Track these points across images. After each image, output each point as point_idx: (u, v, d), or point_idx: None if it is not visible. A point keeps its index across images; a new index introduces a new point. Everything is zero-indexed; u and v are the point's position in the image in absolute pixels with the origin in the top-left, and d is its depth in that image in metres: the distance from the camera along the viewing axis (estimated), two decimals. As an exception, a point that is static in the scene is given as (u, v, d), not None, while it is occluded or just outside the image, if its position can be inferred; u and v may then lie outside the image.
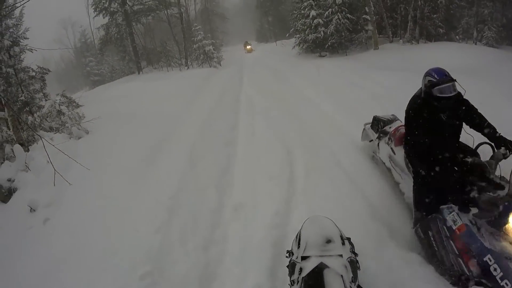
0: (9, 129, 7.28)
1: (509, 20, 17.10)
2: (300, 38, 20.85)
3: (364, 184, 4.21)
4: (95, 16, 27.58)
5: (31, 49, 10.13)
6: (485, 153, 3.11)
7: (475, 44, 16.17)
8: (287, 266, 2.44)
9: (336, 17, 17.71)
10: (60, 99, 8.74)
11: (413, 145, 3.08)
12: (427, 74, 2.97)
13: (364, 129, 4.85)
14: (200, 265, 3.34)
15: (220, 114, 8.97)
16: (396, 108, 6.23)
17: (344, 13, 17.82)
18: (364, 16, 17.32)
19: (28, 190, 5.53)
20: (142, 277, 3.25)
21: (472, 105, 3.15)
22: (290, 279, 2.33)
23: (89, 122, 8.03)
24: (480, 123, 3.05)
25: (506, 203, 2.39)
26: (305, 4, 19.32)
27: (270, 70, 17.33)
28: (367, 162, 4.77)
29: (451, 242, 2.54)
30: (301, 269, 2.20)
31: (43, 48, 7.32)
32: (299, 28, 20.64)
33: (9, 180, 5.92)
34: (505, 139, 2.87)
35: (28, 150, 6.70)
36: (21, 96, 9.05)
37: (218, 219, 4.11)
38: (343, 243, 2.39)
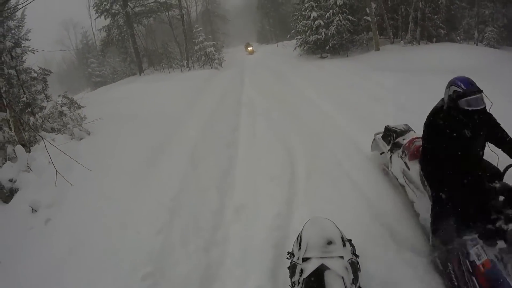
0: (11, 130, 7.28)
1: (510, 20, 17.09)
2: (301, 40, 20.86)
3: (364, 184, 4.20)
4: (97, 17, 27.57)
5: (33, 50, 10.14)
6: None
7: (476, 44, 16.18)
8: (288, 268, 2.44)
9: (337, 18, 17.73)
10: (61, 100, 8.76)
11: (432, 164, 2.79)
12: (452, 83, 2.66)
13: (374, 139, 4.50)
14: (201, 267, 3.34)
15: (222, 116, 8.98)
16: (397, 109, 6.33)
17: (345, 14, 17.85)
18: (365, 17, 17.33)
19: (29, 191, 5.53)
20: (144, 278, 3.25)
21: (496, 120, 2.87)
22: (291, 280, 2.33)
23: (91, 123, 8.05)
24: (504, 140, 2.79)
25: None
26: (306, 5, 19.34)
27: (271, 71, 17.35)
28: (365, 163, 4.76)
29: (473, 278, 2.25)
30: (302, 271, 2.21)
31: (45, 50, 7.34)
32: (300, 29, 20.66)
33: (10, 180, 5.92)
34: None
35: (29, 151, 6.71)
36: (23, 97, 9.05)
37: (219, 221, 4.11)
38: (344, 245, 2.39)
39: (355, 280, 2.20)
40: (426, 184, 2.94)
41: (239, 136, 7.04)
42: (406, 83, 7.97)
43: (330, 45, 18.53)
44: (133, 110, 9.81)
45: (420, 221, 3.13)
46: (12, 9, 8.27)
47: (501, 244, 2.25)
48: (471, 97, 2.51)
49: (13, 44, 9.37)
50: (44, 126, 8.32)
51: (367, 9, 16.84)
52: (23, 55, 9.93)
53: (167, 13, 28.29)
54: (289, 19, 27.95)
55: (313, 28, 19.13)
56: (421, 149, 3.13)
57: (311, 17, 19.00)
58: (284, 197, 4.28)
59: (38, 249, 4.23)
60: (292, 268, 2.36)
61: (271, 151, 5.83)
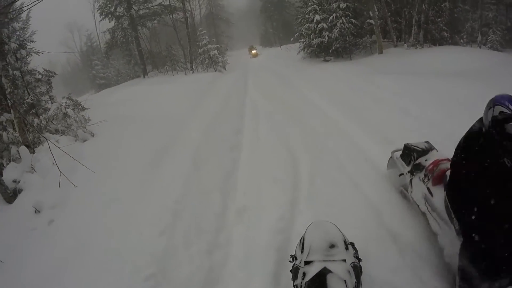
0: (15, 131, 7.33)
1: (513, 23, 17.10)
2: (304, 43, 20.90)
3: (365, 185, 4.19)
4: (101, 20, 27.79)
5: (38, 52, 10.23)
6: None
7: (480, 47, 16.15)
8: (291, 271, 2.43)
9: (341, 21, 17.76)
10: (66, 102, 8.82)
11: (463, 196, 2.35)
12: (497, 103, 2.19)
13: (391, 157, 4.05)
14: (204, 269, 3.33)
15: (225, 118, 9.00)
16: (402, 112, 6.33)
17: (348, 17, 17.87)
18: (368, 20, 17.34)
19: (33, 192, 5.56)
20: (146, 279, 3.25)
21: None
22: (293, 283, 2.33)
23: (95, 125, 8.09)
24: None
25: None
26: (310, 8, 19.39)
27: (275, 74, 17.38)
28: (366, 165, 4.75)
29: None
30: (304, 274, 2.20)
31: (49, 51, 7.40)
32: (303, 32, 20.70)
33: (14, 181, 5.95)
34: None
35: (33, 152, 6.74)
36: (27, 98, 9.12)
37: (222, 223, 4.10)
38: (347, 248, 2.38)
39: (358, 283, 2.19)
40: (452, 216, 2.52)
41: (243, 138, 7.05)
42: (411, 86, 7.95)
43: (334, 48, 18.56)
44: (137, 112, 9.85)
45: (444, 258, 2.68)
46: (17, 11, 8.33)
47: None
48: None
49: (18, 46, 9.45)
50: (48, 127, 8.37)
51: (370, 12, 16.86)
52: (27, 56, 10.03)
53: (171, 16, 28.48)
54: (293, 22, 28.08)
55: (317, 31, 19.17)
56: (447, 173, 2.75)
57: (315, 20, 19.05)
58: (287, 201, 4.27)
59: (41, 250, 4.25)
60: (295, 271, 2.36)
61: (274, 154, 5.83)
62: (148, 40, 30.16)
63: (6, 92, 7.03)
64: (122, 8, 26.30)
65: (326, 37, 18.60)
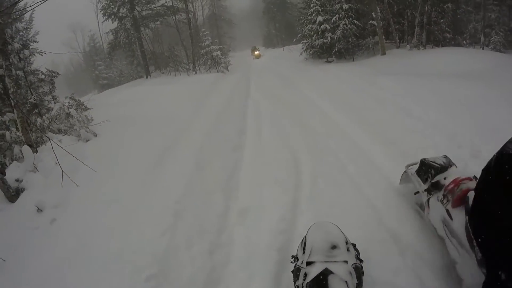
0: (18, 130, 7.37)
1: (516, 24, 17.06)
2: (307, 44, 20.92)
3: (366, 187, 4.19)
4: (104, 21, 27.92)
5: (41, 52, 10.27)
6: None
7: (482, 49, 16.13)
8: (292, 271, 2.43)
9: (343, 22, 17.76)
10: (69, 102, 8.85)
11: (489, 226, 2.05)
12: None
13: (405, 172, 3.70)
14: (205, 269, 3.33)
15: (228, 119, 9.01)
16: (404, 113, 6.31)
17: (351, 18, 17.87)
18: (370, 21, 17.33)
19: (35, 191, 5.58)
20: (147, 279, 3.25)
21: None
22: (294, 284, 2.32)
23: (97, 125, 8.11)
24: None
25: None
26: (312, 10, 19.41)
27: (277, 75, 17.40)
28: (368, 166, 4.74)
29: None
30: (305, 275, 2.20)
31: (52, 52, 7.43)
32: (306, 33, 20.72)
33: (17, 180, 5.97)
34: None
35: (36, 151, 6.77)
36: (30, 98, 9.16)
37: (224, 223, 4.10)
38: (348, 249, 2.38)
39: (359, 285, 2.18)
40: (474, 243, 2.25)
41: (245, 139, 7.05)
42: (413, 87, 7.93)
43: (336, 49, 18.55)
44: (139, 113, 9.88)
45: None
46: (20, 11, 8.38)
47: None
48: None
49: (21, 46, 9.51)
50: (51, 127, 8.40)
51: (373, 13, 16.84)
52: (31, 56, 10.07)
53: (174, 17, 28.56)
54: (295, 23, 28.10)
55: (319, 32, 19.18)
56: (470, 195, 2.47)
57: (317, 22, 19.05)
58: (289, 201, 4.26)
59: (42, 249, 4.25)
60: (296, 272, 2.35)
61: (276, 154, 5.84)
62: (151, 41, 30.24)
63: (9, 92, 7.07)
64: (125, 9, 26.39)
65: (329, 38, 18.61)
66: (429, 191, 3.07)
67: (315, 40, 19.56)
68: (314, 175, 4.80)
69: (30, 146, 6.82)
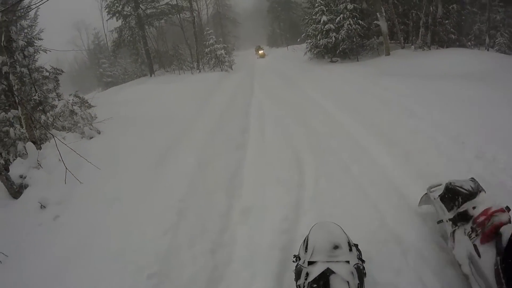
0: (22, 127, 7.40)
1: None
2: (311, 43, 20.88)
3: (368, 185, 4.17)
4: (109, 19, 27.96)
5: (45, 49, 10.34)
6: None
7: (487, 50, 16.03)
8: (294, 271, 2.43)
9: (348, 22, 17.70)
10: (73, 99, 8.88)
11: None
12: None
13: (426, 194, 3.31)
14: (207, 268, 3.33)
15: (231, 118, 9.01)
16: (408, 114, 6.28)
17: (355, 18, 17.81)
18: (375, 22, 17.28)
19: (39, 187, 5.60)
20: (149, 277, 3.26)
21: None
22: (296, 283, 2.32)
23: (101, 122, 8.13)
24: None
25: None
26: (317, 9, 19.37)
27: (281, 75, 17.40)
28: (371, 166, 4.72)
29: None
30: (307, 274, 2.19)
31: (57, 49, 7.46)
32: (310, 33, 20.69)
33: (20, 176, 6.00)
34: None
35: (40, 148, 6.79)
36: (35, 95, 9.21)
37: (226, 223, 4.10)
38: (351, 250, 2.37)
39: (361, 285, 2.18)
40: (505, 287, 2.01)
41: (248, 138, 7.05)
42: (417, 88, 7.90)
43: (341, 49, 18.50)
44: (143, 111, 9.90)
45: None
46: (25, 9, 8.41)
47: None
48: None
49: (25, 43, 9.56)
50: (55, 124, 8.43)
51: (377, 13, 16.79)
52: (35, 54, 10.13)
53: (178, 16, 28.59)
54: (300, 23, 28.04)
55: (324, 32, 19.14)
56: (503, 230, 2.22)
57: (322, 21, 19.01)
58: (292, 201, 4.26)
59: (45, 245, 4.27)
60: (298, 271, 2.35)
61: (279, 153, 5.84)
62: (155, 39, 30.29)
63: (14, 89, 7.10)
64: (129, 7, 26.46)
65: (333, 38, 18.56)
66: (455, 221, 2.70)
67: (319, 40, 19.52)
68: (317, 175, 4.80)
69: (34, 143, 6.85)
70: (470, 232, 2.46)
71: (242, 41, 52.82)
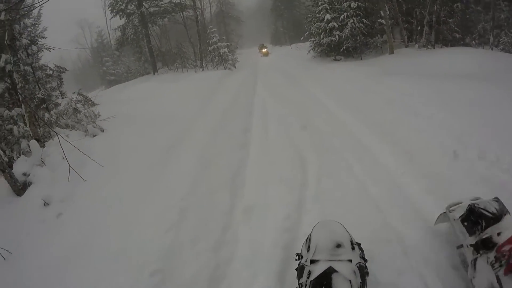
0: (26, 125, 7.44)
1: (527, 25, 16.77)
2: (315, 42, 20.79)
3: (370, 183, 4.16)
4: (112, 17, 27.99)
5: (49, 48, 10.35)
6: None
7: (492, 49, 15.89)
8: (296, 269, 2.43)
9: (351, 21, 17.60)
10: (76, 97, 8.89)
11: None
12: None
13: (445, 213, 2.99)
14: (209, 266, 3.34)
15: (234, 116, 9.01)
16: (412, 113, 6.26)
17: (359, 17, 17.70)
18: (379, 20, 17.19)
19: (42, 185, 5.63)
20: (152, 274, 3.27)
21: None
22: (298, 282, 2.32)
23: (105, 120, 8.15)
24: None
25: None
26: (320, 7, 19.26)
27: (285, 73, 17.36)
28: (373, 165, 4.71)
29: None
30: (309, 273, 2.20)
31: (60, 48, 7.48)
32: (314, 31, 20.59)
33: (24, 174, 6.02)
34: None
35: (44, 146, 6.82)
36: (38, 93, 9.23)
37: (229, 221, 4.10)
38: (353, 248, 2.37)
39: (363, 284, 2.18)
40: None
41: (251, 137, 7.05)
42: (421, 87, 7.86)
43: (344, 47, 18.41)
44: (146, 110, 9.93)
45: None
46: (28, 7, 8.43)
47: None
48: None
49: (29, 42, 9.57)
50: (58, 122, 8.46)
51: (381, 12, 16.69)
52: (39, 52, 10.14)
53: (181, 14, 28.55)
54: (303, 21, 27.90)
55: (327, 31, 19.04)
56: None
57: (325, 20, 18.91)
58: (295, 200, 4.25)
59: (49, 242, 4.30)
60: (300, 269, 2.35)
61: (282, 152, 5.83)
62: (159, 37, 30.31)
63: (18, 87, 7.13)
64: (132, 5, 26.45)
65: (337, 37, 18.46)
66: (477, 248, 2.42)
67: (323, 38, 19.42)
68: (320, 174, 4.79)
69: (38, 140, 6.88)
70: (494, 262, 2.23)
71: (245, 40, 52.78)
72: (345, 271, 2.11)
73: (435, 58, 12.34)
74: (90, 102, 9.49)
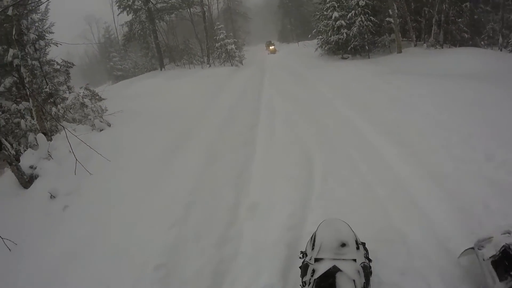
0: (33, 119, 7.50)
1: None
2: (322, 40, 20.72)
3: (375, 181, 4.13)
4: (119, 13, 28.10)
5: (56, 43, 10.43)
6: None
7: (500, 50, 15.71)
8: (300, 267, 2.42)
9: (359, 19, 17.50)
10: (83, 92, 8.96)
11: None
12: None
13: (473, 248, 2.50)
14: (213, 262, 3.34)
15: (240, 113, 9.01)
16: (419, 113, 6.22)
17: (367, 15, 17.59)
18: (387, 19, 17.07)
19: (49, 178, 5.68)
20: (156, 269, 3.29)
21: None
22: (302, 280, 2.31)
23: (112, 115, 8.20)
24: None
25: None
26: (328, 5, 19.18)
27: (292, 71, 17.31)
28: (380, 165, 4.68)
29: None
30: (313, 271, 2.19)
31: (67, 43, 7.51)
32: (321, 29, 20.53)
33: (31, 167, 6.08)
34: None
35: (51, 140, 6.88)
36: (46, 87, 9.30)
37: (233, 218, 4.10)
38: (358, 248, 2.36)
39: (366, 284, 2.17)
40: None
41: (257, 134, 7.03)
42: (430, 87, 7.80)
43: (352, 46, 18.32)
44: (153, 105, 9.97)
45: None
46: (36, 2, 8.48)
47: None
48: None
49: (36, 37, 9.66)
50: (65, 116, 8.53)
51: (389, 10, 16.58)
52: (46, 47, 10.24)
53: (188, 10, 28.59)
54: (311, 19, 27.84)
55: (335, 28, 18.96)
56: None
57: (333, 17, 18.83)
58: (300, 198, 4.24)
59: (55, 235, 4.34)
60: (304, 267, 2.34)
61: (288, 150, 5.81)
62: (166, 33, 30.38)
63: (25, 81, 7.19)
64: (140, 1, 26.55)
65: (344, 35, 18.38)
66: None
67: (330, 36, 19.34)
68: (325, 173, 4.76)
69: (45, 134, 6.93)
70: None
71: (252, 37, 52.69)
72: (349, 271, 2.10)
73: (443, 58, 12.26)
74: (97, 97, 9.56)
